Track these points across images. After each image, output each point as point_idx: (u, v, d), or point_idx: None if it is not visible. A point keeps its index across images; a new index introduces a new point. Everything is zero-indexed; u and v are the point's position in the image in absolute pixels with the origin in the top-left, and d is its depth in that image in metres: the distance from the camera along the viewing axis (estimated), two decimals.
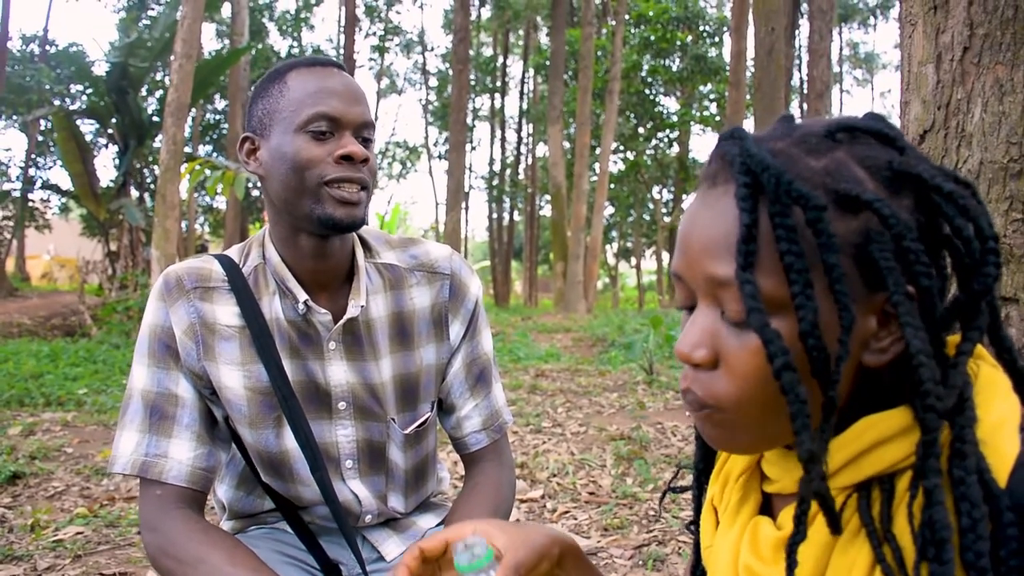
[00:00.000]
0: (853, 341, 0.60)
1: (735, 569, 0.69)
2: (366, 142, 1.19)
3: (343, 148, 1.14)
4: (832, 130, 0.63)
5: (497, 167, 29.49)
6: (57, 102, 15.17)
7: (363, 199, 1.17)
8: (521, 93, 28.60)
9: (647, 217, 25.57)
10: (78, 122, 12.34)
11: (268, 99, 1.19)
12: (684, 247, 0.64)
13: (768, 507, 0.72)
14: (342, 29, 25.65)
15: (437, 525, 1.41)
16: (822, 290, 0.58)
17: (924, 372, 0.58)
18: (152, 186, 11.53)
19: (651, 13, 19.30)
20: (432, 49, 37.42)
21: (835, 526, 0.61)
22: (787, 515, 0.67)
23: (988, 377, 0.63)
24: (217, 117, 24.12)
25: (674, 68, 20.19)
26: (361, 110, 1.18)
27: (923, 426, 0.58)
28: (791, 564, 0.61)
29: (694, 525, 0.82)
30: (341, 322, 1.22)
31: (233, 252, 1.28)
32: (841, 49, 32.32)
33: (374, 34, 29.71)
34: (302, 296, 1.21)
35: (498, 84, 29.08)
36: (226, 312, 1.22)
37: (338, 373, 1.25)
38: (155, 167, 10.96)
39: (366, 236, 1.31)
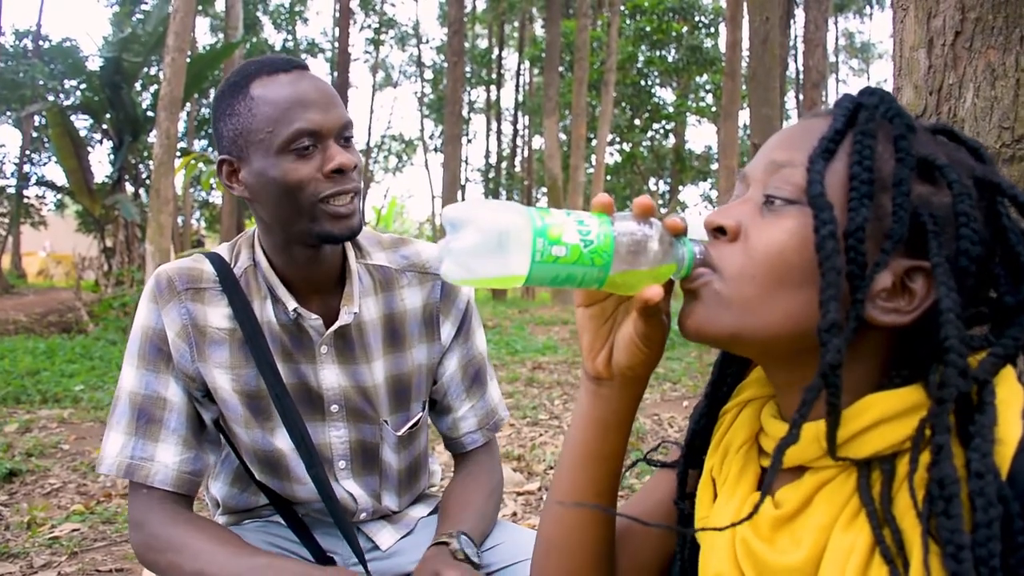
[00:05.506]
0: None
1: (732, 543, 0.68)
2: (347, 141, 1.14)
3: (333, 161, 1.09)
4: (936, 128, 0.71)
5: (493, 159, 29.42)
6: (51, 97, 15.10)
7: (357, 208, 1.14)
8: (517, 85, 28.48)
9: None
10: (72, 117, 12.21)
11: (236, 118, 1.12)
12: (761, 148, 0.71)
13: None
14: (336, 22, 25.60)
15: (429, 514, 1.42)
16: (873, 211, 0.62)
17: (950, 329, 0.58)
18: (147, 181, 11.43)
19: (646, 4, 19.21)
20: (427, 42, 37.28)
21: (835, 416, 0.60)
22: (786, 493, 0.67)
23: None
24: None
25: (670, 59, 20.11)
26: (338, 113, 1.12)
27: (942, 383, 0.58)
28: (777, 459, 0.61)
29: (679, 501, 0.81)
30: (333, 328, 1.21)
31: (223, 250, 1.26)
32: (837, 39, 32.28)
33: (369, 27, 29.63)
34: (292, 304, 1.19)
35: (493, 76, 28.99)
36: (217, 314, 1.20)
37: (330, 376, 1.24)
38: (150, 162, 10.87)
39: (357, 237, 1.28)
